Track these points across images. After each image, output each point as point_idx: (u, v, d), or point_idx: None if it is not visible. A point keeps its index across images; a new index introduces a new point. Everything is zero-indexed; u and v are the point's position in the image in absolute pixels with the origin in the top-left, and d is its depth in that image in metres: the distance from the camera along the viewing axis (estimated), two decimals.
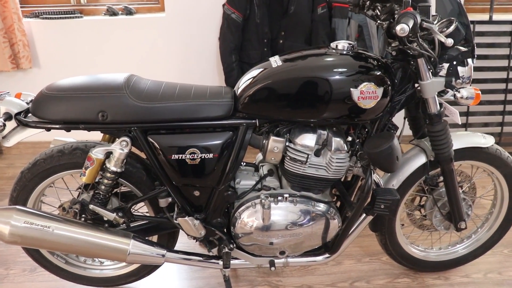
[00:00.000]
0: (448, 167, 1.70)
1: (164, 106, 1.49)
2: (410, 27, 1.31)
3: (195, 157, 1.53)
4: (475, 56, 1.53)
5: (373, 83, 1.46)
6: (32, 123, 1.53)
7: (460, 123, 1.61)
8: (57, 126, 1.52)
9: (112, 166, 1.53)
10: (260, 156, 1.82)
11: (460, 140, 1.75)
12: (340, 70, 1.47)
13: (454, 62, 1.52)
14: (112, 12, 3.03)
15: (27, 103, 1.59)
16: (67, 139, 1.77)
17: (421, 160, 1.75)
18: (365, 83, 1.45)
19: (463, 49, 1.53)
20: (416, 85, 1.61)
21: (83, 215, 1.62)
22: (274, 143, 1.55)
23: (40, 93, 1.55)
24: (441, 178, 1.81)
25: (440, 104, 1.61)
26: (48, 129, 1.54)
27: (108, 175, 1.55)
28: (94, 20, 3.05)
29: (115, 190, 1.70)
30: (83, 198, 1.67)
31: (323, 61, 1.51)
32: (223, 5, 2.81)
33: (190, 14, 3.01)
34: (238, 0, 2.72)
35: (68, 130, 1.53)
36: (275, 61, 1.55)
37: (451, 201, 1.79)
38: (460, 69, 1.55)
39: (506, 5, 3.38)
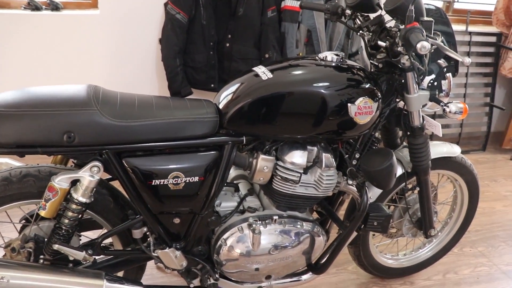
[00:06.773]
0: (425, 178, 1.72)
1: (144, 125, 1.29)
2: None
3: (178, 182, 1.34)
4: (458, 70, 1.55)
5: (368, 98, 1.40)
6: None
7: (441, 136, 1.63)
8: (7, 150, 1.24)
9: (79, 196, 1.29)
10: (232, 173, 1.68)
11: (432, 150, 1.77)
12: (335, 84, 1.39)
13: (439, 76, 1.53)
14: (34, 7, 2.62)
15: None
16: (3, 159, 1.49)
17: (398, 171, 1.74)
18: (361, 98, 1.39)
19: (444, 63, 1.54)
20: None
21: (41, 256, 1.35)
22: (264, 162, 1.42)
23: None
24: (410, 187, 1.84)
25: (422, 117, 1.61)
26: None
27: (74, 206, 1.30)
28: (11, 14, 2.61)
29: None
30: (35, 233, 1.39)
31: (319, 74, 1.41)
32: (166, 4, 2.59)
33: (128, 12, 2.71)
34: None
35: (22, 155, 1.26)
36: (263, 72, 1.42)
37: (423, 210, 1.81)
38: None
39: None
